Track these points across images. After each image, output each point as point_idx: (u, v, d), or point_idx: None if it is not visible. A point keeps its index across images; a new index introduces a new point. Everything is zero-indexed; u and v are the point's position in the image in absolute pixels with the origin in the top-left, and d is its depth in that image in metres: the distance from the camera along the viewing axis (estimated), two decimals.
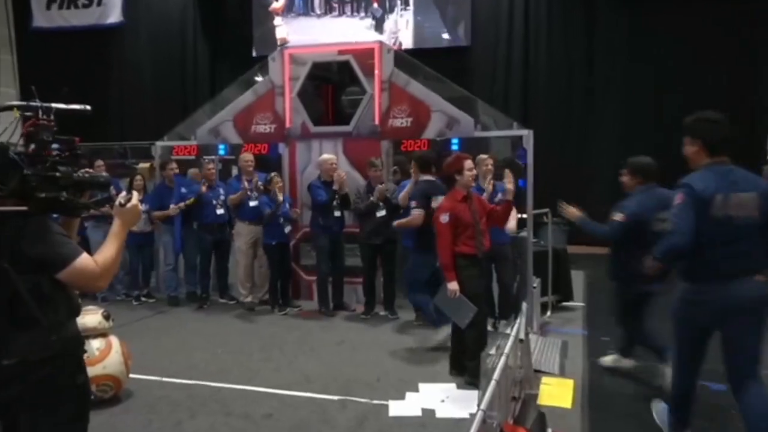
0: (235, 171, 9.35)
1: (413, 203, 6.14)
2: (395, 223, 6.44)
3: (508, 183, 5.08)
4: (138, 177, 8.18)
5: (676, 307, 3.63)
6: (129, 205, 2.52)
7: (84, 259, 2.33)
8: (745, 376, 3.43)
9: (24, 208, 2.27)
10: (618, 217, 4.74)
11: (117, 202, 2.51)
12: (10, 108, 2.38)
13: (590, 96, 12.22)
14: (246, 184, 7.61)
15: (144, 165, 9.79)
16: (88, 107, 2.52)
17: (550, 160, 10.59)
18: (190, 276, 8.13)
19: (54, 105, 2.43)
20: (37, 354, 2.31)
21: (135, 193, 2.59)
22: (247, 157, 7.79)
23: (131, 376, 4.88)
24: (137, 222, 2.60)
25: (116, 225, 2.50)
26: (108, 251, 2.43)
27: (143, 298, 8.26)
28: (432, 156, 6.54)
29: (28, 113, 2.39)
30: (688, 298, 3.54)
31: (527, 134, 6.90)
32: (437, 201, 5.78)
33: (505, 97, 12.72)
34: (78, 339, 2.50)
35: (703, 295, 3.47)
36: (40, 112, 2.39)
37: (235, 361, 5.75)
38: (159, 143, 8.66)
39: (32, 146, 2.36)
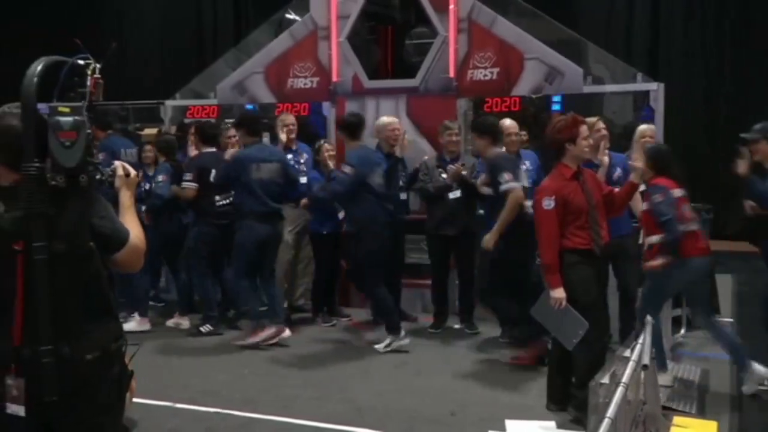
0: (266, 139, 9.50)
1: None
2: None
3: (636, 160, 5.06)
4: (148, 147, 8.38)
5: None
6: (132, 173, 2.88)
7: (135, 237, 2.74)
8: None
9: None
10: None
11: (122, 173, 2.84)
12: (63, 63, 2.63)
13: (747, 39, 11.84)
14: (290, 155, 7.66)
15: (150, 131, 10.06)
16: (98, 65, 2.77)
17: (688, 124, 10.36)
18: None
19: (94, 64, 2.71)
20: (116, 342, 2.70)
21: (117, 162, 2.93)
22: (288, 119, 7.82)
23: (135, 400, 5.06)
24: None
25: (127, 197, 2.86)
26: (137, 226, 2.79)
27: (149, 302, 8.51)
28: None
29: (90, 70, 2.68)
30: None
31: (656, 89, 6.77)
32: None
33: (627, 39, 12.49)
34: None
35: None
36: (97, 70, 2.69)
37: (266, 386, 5.88)
38: (169, 103, 8.89)
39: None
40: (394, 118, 7.56)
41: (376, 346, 6.71)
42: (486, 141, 6.37)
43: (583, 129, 5.02)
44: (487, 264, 6.36)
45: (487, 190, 6.58)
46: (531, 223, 5.20)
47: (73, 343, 2.55)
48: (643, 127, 6.87)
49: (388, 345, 6.69)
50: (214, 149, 7.49)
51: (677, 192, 5.34)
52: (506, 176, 6.12)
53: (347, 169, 6.63)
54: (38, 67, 2.53)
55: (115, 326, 2.75)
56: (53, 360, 2.49)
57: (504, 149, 6.53)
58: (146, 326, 7.52)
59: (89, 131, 2.55)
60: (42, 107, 2.52)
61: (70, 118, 2.49)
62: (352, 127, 6.93)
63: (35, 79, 2.49)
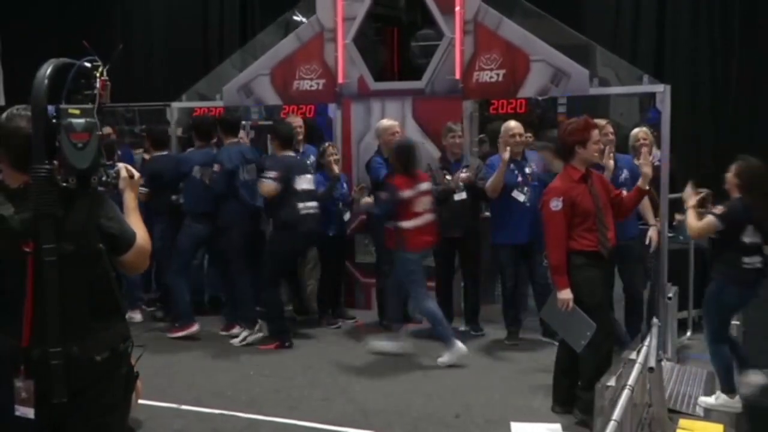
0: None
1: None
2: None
3: (644, 164, 5.12)
4: None
5: None
6: (136, 175, 2.91)
7: (141, 238, 2.78)
8: None
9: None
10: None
11: (126, 175, 2.86)
12: (71, 65, 2.64)
13: (754, 40, 11.79)
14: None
15: None
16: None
17: (694, 126, 10.33)
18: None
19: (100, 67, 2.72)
20: (124, 343, 2.75)
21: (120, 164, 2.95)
22: (296, 121, 7.87)
23: (140, 401, 5.07)
24: None
25: (132, 199, 2.90)
26: (142, 228, 2.82)
27: (158, 303, 8.51)
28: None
29: (98, 72, 2.71)
30: None
31: (662, 91, 6.76)
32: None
33: (633, 41, 12.46)
34: None
35: None
36: (104, 72, 2.71)
37: (271, 388, 5.91)
38: (175, 105, 8.91)
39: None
40: (394, 121, 7.55)
41: (232, 341, 7.09)
42: (276, 143, 7.10)
43: (595, 133, 5.04)
44: (267, 256, 6.99)
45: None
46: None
47: (82, 344, 2.57)
48: (635, 130, 6.87)
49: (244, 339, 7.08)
50: (165, 152, 7.79)
51: (407, 193, 6.32)
52: (270, 173, 6.76)
53: (216, 167, 7.05)
54: (48, 69, 2.54)
55: (123, 327, 2.78)
56: (62, 361, 2.50)
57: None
58: (137, 317, 7.90)
59: (100, 133, 2.57)
60: (49, 109, 2.53)
61: (82, 120, 2.52)
62: (227, 124, 7.37)
63: (45, 82, 2.50)
